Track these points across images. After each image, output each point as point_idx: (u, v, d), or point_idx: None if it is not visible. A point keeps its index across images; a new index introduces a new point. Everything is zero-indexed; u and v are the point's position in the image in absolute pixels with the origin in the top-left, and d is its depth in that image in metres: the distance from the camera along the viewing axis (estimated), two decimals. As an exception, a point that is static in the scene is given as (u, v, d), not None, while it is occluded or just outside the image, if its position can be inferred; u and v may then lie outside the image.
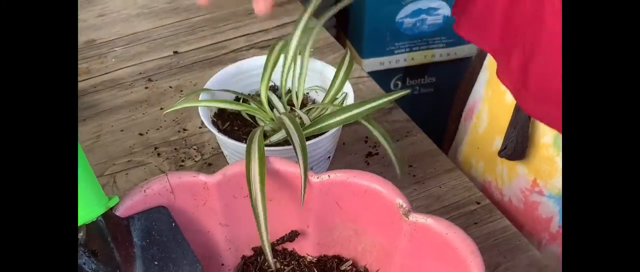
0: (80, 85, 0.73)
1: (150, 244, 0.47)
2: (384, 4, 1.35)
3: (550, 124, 0.58)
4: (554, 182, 0.62)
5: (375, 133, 0.55)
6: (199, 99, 0.58)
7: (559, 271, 0.58)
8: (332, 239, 0.50)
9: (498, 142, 0.67)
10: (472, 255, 0.42)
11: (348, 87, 0.58)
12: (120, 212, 0.46)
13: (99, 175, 0.63)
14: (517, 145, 0.62)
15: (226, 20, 0.81)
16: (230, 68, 0.61)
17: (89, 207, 0.44)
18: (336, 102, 0.58)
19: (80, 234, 0.44)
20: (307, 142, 0.51)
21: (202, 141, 0.66)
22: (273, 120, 0.57)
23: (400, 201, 0.46)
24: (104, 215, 0.44)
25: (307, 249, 0.51)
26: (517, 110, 0.62)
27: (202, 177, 0.48)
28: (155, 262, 0.47)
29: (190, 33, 0.80)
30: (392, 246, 0.47)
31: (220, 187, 0.48)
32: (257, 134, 0.49)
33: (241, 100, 0.60)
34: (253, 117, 0.59)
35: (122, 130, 0.67)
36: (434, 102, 1.50)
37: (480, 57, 1.21)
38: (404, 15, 1.39)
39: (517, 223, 0.64)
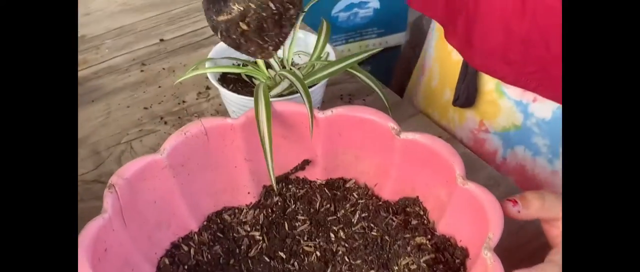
0: (82, 73, 0.82)
1: None
2: (320, 1, 1.48)
3: (493, 74, 0.72)
4: (498, 120, 0.76)
5: (363, 78, 0.67)
6: (206, 67, 0.69)
7: (510, 185, 0.71)
8: (337, 164, 0.62)
9: (448, 94, 0.80)
10: (453, 156, 0.55)
11: (329, 48, 0.70)
12: (167, 152, 0.56)
13: (116, 143, 0.72)
14: (469, 95, 0.75)
15: (200, 11, 0.92)
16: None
17: None
18: (321, 60, 0.70)
19: None
20: (297, 95, 0.63)
21: (201, 110, 0.76)
22: (270, 78, 0.68)
23: (391, 124, 0.58)
24: None
25: (316, 174, 0.62)
26: (465, 66, 0.75)
27: (229, 120, 0.59)
28: None
29: (171, 23, 0.90)
30: (387, 162, 0.60)
31: (244, 128, 0.59)
32: (261, 86, 0.60)
33: (241, 65, 0.71)
34: (251, 79, 0.70)
35: (128, 107, 0.77)
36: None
37: (411, 43, 1.36)
38: (338, 9, 1.51)
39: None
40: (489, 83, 0.75)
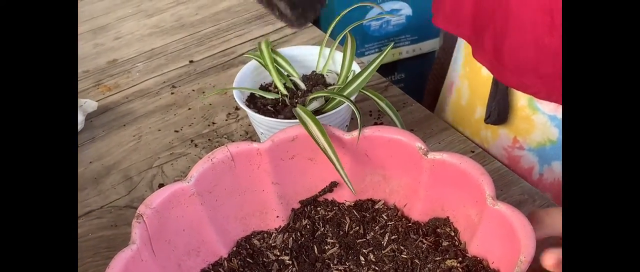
0: (113, 98, 0.83)
1: None
2: (351, 10, 1.48)
3: (525, 90, 0.70)
4: (532, 137, 0.74)
5: (381, 104, 0.66)
6: (233, 92, 0.69)
7: (546, 199, 0.70)
8: (365, 185, 0.61)
9: (479, 111, 0.79)
10: (483, 175, 0.54)
11: (355, 66, 0.70)
12: (194, 179, 0.56)
13: (148, 168, 0.73)
14: (500, 112, 0.74)
15: (229, 30, 0.92)
16: (250, 64, 0.72)
17: None
18: (349, 79, 0.69)
19: None
20: (326, 114, 0.63)
21: (230, 131, 0.76)
22: (295, 97, 0.68)
23: (419, 144, 0.57)
24: None
25: (345, 196, 0.62)
26: (495, 83, 0.74)
27: (255, 145, 0.59)
28: None
29: (200, 44, 0.91)
30: (415, 182, 0.59)
31: (271, 151, 0.59)
32: (298, 108, 0.60)
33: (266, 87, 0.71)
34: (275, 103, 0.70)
35: (159, 130, 0.77)
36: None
37: (445, 49, 1.35)
38: (370, 18, 1.51)
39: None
40: (521, 99, 0.73)
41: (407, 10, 1.58)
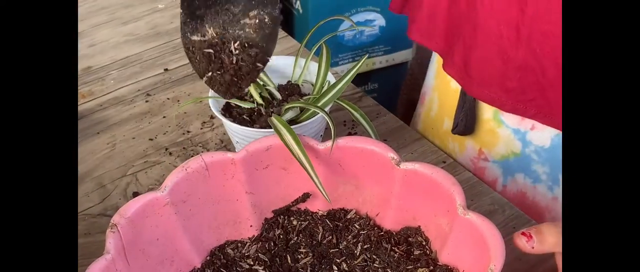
0: (87, 105, 0.83)
1: None
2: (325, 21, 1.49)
3: (491, 102, 0.71)
4: (496, 149, 0.75)
5: (355, 114, 0.67)
6: (209, 101, 0.69)
7: (515, 209, 0.71)
8: (338, 195, 0.62)
9: (447, 122, 0.80)
10: (454, 185, 0.55)
11: (330, 77, 0.70)
12: (169, 189, 0.57)
13: (122, 175, 0.73)
14: (467, 123, 0.75)
15: (205, 39, 0.93)
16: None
17: None
18: (324, 89, 0.70)
19: None
20: (301, 125, 0.64)
21: (205, 139, 0.77)
22: (269, 107, 0.69)
23: (391, 154, 0.58)
24: None
25: (317, 206, 0.62)
26: (463, 94, 0.75)
27: (230, 155, 0.59)
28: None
29: (175, 52, 0.91)
30: (388, 192, 0.60)
31: (245, 161, 0.59)
32: (273, 117, 0.61)
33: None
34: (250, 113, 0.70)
35: (133, 138, 0.78)
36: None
37: (417, 60, 1.36)
38: (343, 28, 1.52)
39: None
40: (487, 111, 0.75)
41: (380, 21, 1.59)
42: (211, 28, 0.57)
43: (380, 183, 0.60)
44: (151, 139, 0.77)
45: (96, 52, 0.91)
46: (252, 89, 0.69)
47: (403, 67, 1.68)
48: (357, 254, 0.59)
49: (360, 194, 0.62)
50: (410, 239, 0.59)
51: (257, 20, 0.58)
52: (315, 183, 0.57)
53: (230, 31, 0.59)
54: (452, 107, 0.77)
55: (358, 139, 0.60)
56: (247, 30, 0.59)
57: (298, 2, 1.49)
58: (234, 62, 0.58)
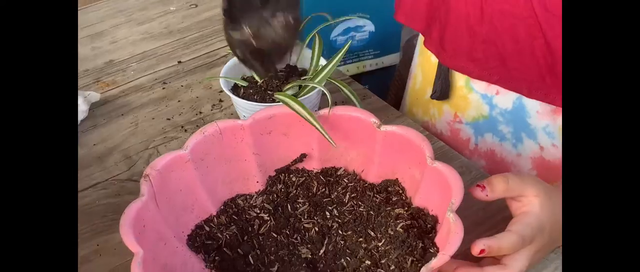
0: (111, 92, 0.95)
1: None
2: (318, 26, 1.62)
3: (462, 71, 0.84)
4: (469, 112, 0.88)
5: (345, 90, 0.79)
6: (220, 81, 0.81)
7: (479, 170, 0.83)
8: (330, 156, 0.74)
9: (429, 91, 0.93)
10: (423, 141, 0.67)
11: (322, 61, 0.83)
12: (190, 148, 0.69)
13: (144, 149, 0.85)
14: (443, 89, 0.88)
15: (212, 36, 1.05)
16: (233, 60, 0.85)
17: None
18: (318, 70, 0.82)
19: None
20: (300, 99, 0.76)
21: (215, 118, 0.89)
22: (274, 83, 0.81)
23: (373, 119, 0.70)
24: None
25: (312, 165, 0.75)
26: (439, 65, 0.88)
27: (239, 122, 0.71)
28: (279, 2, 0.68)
29: (187, 48, 1.03)
30: (371, 151, 0.72)
31: (252, 127, 0.71)
32: (281, 95, 0.73)
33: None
34: (256, 88, 0.82)
35: (153, 118, 0.90)
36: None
37: (404, 62, 1.50)
38: (336, 33, 1.65)
39: (448, 145, 0.89)
40: (460, 80, 0.87)
41: (370, 26, 1.72)
42: (248, 28, 0.69)
43: (364, 144, 0.72)
44: (168, 119, 0.89)
45: (117, 47, 1.04)
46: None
47: (391, 70, 1.81)
48: (346, 201, 0.71)
49: (348, 154, 0.74)
50: (389, 188, 0.71)
51: (283, 21, 0.70)
52: (321, 133, 0.68)
53: (262, 30, 0.70)
54: (433, 78, 0.90)
55: (346, 108, 0.72)
56: (277, 30, 0.70)
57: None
58: (266, 52, 0.71)
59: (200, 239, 0.69)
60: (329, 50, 1.67)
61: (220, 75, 0.82)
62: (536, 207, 0.61)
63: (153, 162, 0.67)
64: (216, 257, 0.67)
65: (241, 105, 0.79)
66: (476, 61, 0.80)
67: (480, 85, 0.85)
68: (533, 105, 0.80)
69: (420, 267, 0.57)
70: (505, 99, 0.83)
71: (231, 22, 0.69)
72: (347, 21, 1.68)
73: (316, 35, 0.84)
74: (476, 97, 0.86)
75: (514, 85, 0.79)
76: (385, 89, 1.70)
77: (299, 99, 0.77)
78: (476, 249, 0.58)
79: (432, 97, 0.89)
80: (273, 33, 0.69)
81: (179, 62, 1.00)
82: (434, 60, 0.90)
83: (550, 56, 0.73)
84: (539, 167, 0.83)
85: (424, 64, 0.94)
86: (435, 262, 0.56)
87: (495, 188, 0.63)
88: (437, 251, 0.62)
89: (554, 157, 0.81)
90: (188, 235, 0.69)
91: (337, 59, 0.78)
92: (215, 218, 0.71)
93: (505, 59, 0.76)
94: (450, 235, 0.58)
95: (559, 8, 0.70)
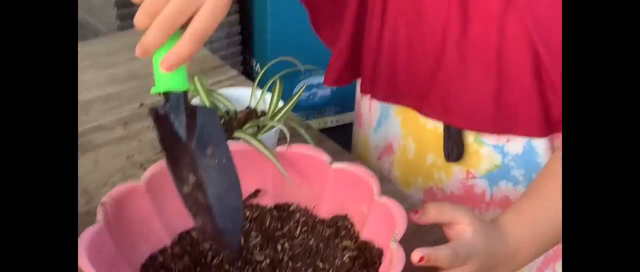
0: (73, 131, 0.97)
1: (202, 124, 0.64)
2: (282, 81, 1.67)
3: (472, 129, 0.86)
4: (482, 166, 0.88)
5: (301, 130, 0.83)
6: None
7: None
8: (283, 191, 0.77)
9: (431, 157, 0.92)
10: (371, 177, 0.71)
11: (281, 103, 0.87)
12: (146, 180, 0.71)
13: (103, 185, 0.87)
14: (458, 149, 0.88)
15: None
16: (193, 101, 0.89)
17: (180, 82, 0.63)
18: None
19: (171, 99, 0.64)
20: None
21: (175, 158, 0.91)
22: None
23: (325, 157, 0.74)
24: (184, 93, 0.63)
25: (266, 201, 0.77)
26: (447, 128, 0.87)
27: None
28: (204, 136, 0.64)
29: (149, 91, 1.06)
30: (322, 188, 0.75)
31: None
32: (238, 132, 0.76)
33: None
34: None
35: (113, 157, 0.92)
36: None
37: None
38: (298, 89, 1.69)
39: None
40: (469, 137, 0.88)
41: (331, 83, 1.77)
42: (188, 173, 0.63)
43: (317, 181, 0.75)
44: (128, 157, 0.92)
45: (82, 89, 1.07)
46: (219, 109, 0.85)
47: (349, 127, 1.86)
48: (297, 235, 0.73)
49: (301, 191, 0.77)
50: (338, 223, 0.74)
51: (216, 160, 0.64)
52: (277, 166, 0.72)
53: (200, 173, 0.63)
54: (434, 144, 0.90)
55: (300, 146, 0.76)
56: (211, 172, 0.64)
57: (257, 65, 1.66)
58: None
59: (153, 269, 0.70)
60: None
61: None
62: (469, 234, 0.65)
63: (110, 192, 0.69)
64: (169, 287, 0.69)
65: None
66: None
67: (489, 138, 0.86)
68: (540, 144, 0.83)
69: (364, 293, 0.59)
70: (516, 145, 0.85)
71: (173, 166, 0.63)
72: (310, 78, 1.73)
73: (278, 79, 0.88)
74: (487, 149, 0.87)
75: (525, 132, 0.83)
76: (346, 146, 1.75)
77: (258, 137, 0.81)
78: (415, 256, 0.61)
79: (449, 160, 0.89)
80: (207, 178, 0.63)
81: (141, 104, 1.03)
82: (431, 125, 0.90)
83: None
84: None
85: (417, 132, 0.93)
86: (377, 288, 0.59)
87: (427, 212, 0.68)
88: (381, 280, 0.64)
89: None
90: (142, 264, 0.71)
91: (295, 98, 0.82)
92: (169, 249, 0.73)
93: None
94: (392, 263, 0.61)
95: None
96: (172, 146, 0.64)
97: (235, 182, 0.64)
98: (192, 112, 0.64)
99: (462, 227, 0.66)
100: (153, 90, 0.65)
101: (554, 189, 0.70)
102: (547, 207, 0.70)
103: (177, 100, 0.64)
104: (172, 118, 0.64)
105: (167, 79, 0.64)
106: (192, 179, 0.63)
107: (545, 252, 0.73)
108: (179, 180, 0.63)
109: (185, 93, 0.64)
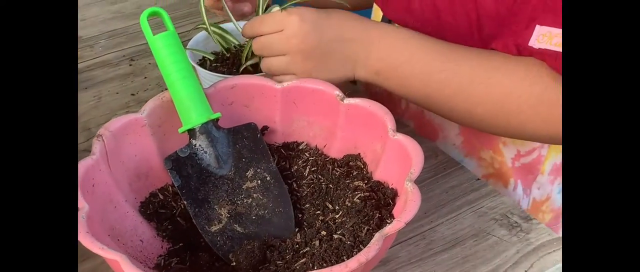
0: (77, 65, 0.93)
1: (241, 146, 0.66)
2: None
3: (400, 23, 0.80)
4: None
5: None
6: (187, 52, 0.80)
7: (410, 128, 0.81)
8: (292, 130, 0.72)
9: None
10: (386, 114, 0.65)
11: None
12: (146, 112, 0.66)
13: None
14: None
15: (184, 18, 1.04)
16: (200, 35, 0.84)
17: (201, 114, 0.64)
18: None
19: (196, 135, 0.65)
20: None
21: (181, 96, 0.87)
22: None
23: (337, 92, 0.69)
24: (211, 122, 0.65)
25: (275, 138, 0.73)
26: None
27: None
28: (243, 159, 0.66)
29: (157, 28, 1.01)
30: (334, 125, 0.70)
31: (213, 96, 0.69)
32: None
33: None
34: (223, 62, 0.81)
35: (117, 93, 0.88)
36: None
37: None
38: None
39: None
40: None
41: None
42: (221, 208, 0.64)
43: (327, 118, 0.70)
44: (133, 94, 0.87)
45: (87, 25, 1.02)
46: (220, 45, 0.80)
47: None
48: (306, 175, 0.69)
49: (311, 129, 0.72)
50: (350, 163, 0.69)
51: (258, 181, 0.66)
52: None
53: (239, 202, 0.65)
54: None
55: (309, 81, 0.70)
56: (254, 195, 0.65)
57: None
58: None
59: (153, 207, 0.66)
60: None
61: (187, 47, 0.81)
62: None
63: (107, 123, 0.65)
64: (169, 226, 0.65)
65: (205, 76, 0.78)
66: (412, 12, 0.78)
67: None
68: None
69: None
70: None
71: (198, 207, 0.63)
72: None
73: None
74: None
75: (444, 39, 0.77)
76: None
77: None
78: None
79: None
80: (253, 202, 0.64)
81: (148, 41, 0.98)
82: None
83: (476, 12, 0.72)
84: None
85: None
86: (389, 228, 0.54)
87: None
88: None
89: None
90: (141, 202, 0.67)
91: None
92: (170, 187, 0.69)
93: (440, 11, 0.75)
94: (407, 203, 0.56)
95: None
96: (197, 188, 0.64)
97: (282, 192, 0.66)
98: (229, 133, 0.66)
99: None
100: (181, 130, 0.66)
101: (461, 58, 0.69)
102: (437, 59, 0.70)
103: (206, 130, 0.65)
104: (199, 155, 0.65)
105: (192, 112, 0.65)
106: (226, 213, 0.64)
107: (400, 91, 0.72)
108: (208, 221, 0.63)
109: (213, 121, 0.66)
